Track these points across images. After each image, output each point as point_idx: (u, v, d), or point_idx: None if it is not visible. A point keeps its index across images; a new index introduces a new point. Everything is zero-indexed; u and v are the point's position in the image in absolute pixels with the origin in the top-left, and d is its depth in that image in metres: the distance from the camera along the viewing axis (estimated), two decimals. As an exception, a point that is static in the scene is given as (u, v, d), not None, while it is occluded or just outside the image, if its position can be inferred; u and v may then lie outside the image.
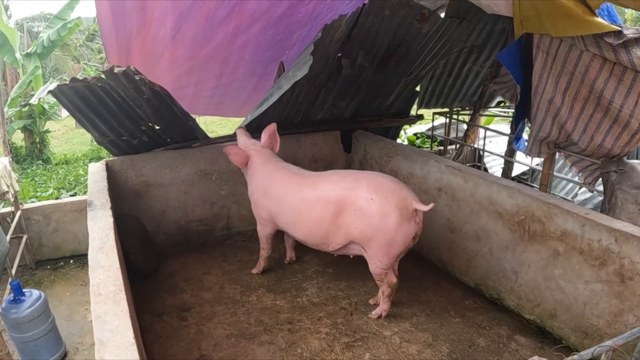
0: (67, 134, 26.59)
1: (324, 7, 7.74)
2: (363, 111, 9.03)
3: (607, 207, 6.59)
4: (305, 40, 7.86)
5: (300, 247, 7.12)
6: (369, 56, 7.66)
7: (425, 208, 5.60)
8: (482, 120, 12.25)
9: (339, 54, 7.42)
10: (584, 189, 8.50)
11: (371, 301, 6.43)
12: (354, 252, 6.14)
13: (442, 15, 7.83)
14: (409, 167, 7.68)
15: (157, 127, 7.43)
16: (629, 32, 5.59)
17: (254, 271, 7.13)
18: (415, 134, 12.73)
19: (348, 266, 6.94)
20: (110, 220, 5.17)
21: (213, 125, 24.03)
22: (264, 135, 6.99)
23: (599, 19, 5.67)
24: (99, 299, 3.75)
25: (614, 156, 6.50)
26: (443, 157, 7.62)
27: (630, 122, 6.02)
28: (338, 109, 8.67)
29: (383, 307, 6.12)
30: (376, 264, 5.86)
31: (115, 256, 4.43)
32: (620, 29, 5.55)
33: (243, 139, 6.94)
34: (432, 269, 7.40)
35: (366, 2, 6.72)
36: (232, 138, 7.90)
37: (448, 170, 7.00)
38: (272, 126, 7.04)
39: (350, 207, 5.79)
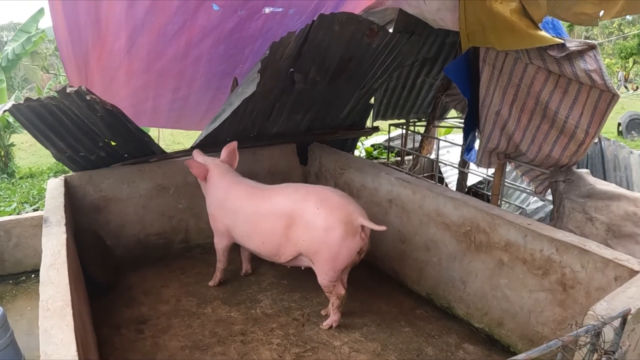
0: (34, 146, 26.41)
1: (274, 22, 7.83)
2: (318, 124, 9.11)
3: (555, 215, 6.72)
4: (257, 54, 7.95)
5: (257, 259, 7.14)
6: (321, 71, 7.75)
7: (372, 226, 5.72)
8: (441, 130, 12.37)
9: (292, 69, 7.49)
10: (537, 197, 8.65)
11: (323, 312, 6.48)
12: (305, 263, 6.21)
13: (391, 30, 7.93)
14: (361, 180, 7.76)
15: (113, 144, 7.47)
16: (572, 45, 5.73)
17: (211, 283, 7.17)
18: (372, 145, 12.84)
19: (302, 277, 7.00)
20: (64, 237, 5.22)
21: (180, 136, 24.04)
22: (224, 152, 7.08)
23: (543, 33, 5.80)
24: (47, 314, 3.83)
25: (563, 166, 6.64)
26: (394, 169, 7.74)
27: (576, 133, 6.17)
28: (293, 122, 8.75)
29: (333, 318, 6.18)
30: (323, 276, 5.94)
31: (66, 272, 4.48)
32: (563, 41, 5.67)
33: (201, 158, 7.00)
34: (385, 279, 7.46)
35: (315, 18, 6.82)
36: (187, 153, 7.97)
37: (398, 182, 7.09)
38: (233, 144, 7.14)
39: (299, 220, 5.88)
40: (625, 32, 59.12)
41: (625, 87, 47.30)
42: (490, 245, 5.92)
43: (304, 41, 7.04)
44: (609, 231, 6.20)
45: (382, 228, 5.70)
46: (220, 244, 6.92)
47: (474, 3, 6.22)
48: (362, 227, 5.79)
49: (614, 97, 5.92)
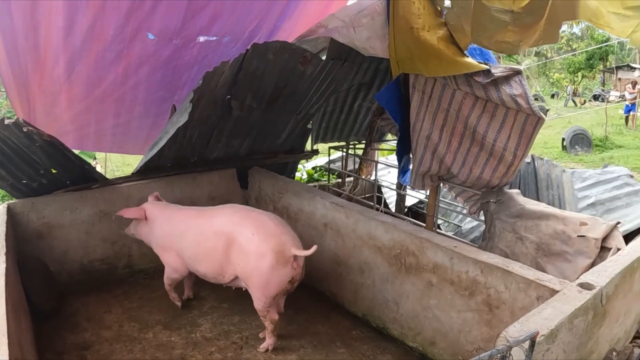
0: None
1: (209, 50, 7.94)
2: (258, 148, 9.19)
3: (487, 235, 6.87)
4: (194, 81, 8.02)
5: (198, 284, 7.22)
6: (257, 97, 7.87)
7: (304, 253, 5.80)
8: (384, 152, 12.45)
9: (228, 97, 7.59)
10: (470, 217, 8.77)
11: (261, 335, 6.52)
12: (244, 285, 6.26)
13: (324, 57, 8.06)
14: (298, 204, 7.87)
15: (54, 171, 7.51)
16: (497, 70, 5.90)
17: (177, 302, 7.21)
18: (314, 168, 12.93)
19: (242, 301, 7.05)
20: (3, 267, 5.24)
21: (130, 157, 23.92)
22: (151, 197, 7.17)
23: (469, 59, 5.97)
24: (-18, 343, 3.88)
25: (494, 187, 6.80)
26: (329, 194, 7.82)
27: (504, 155, 6.34)
28: (233, 147, 8.84)
29: (269, 341, 6.23)
30: (257, 301, 6.02)
31: (3, 302, 4.52)
32: (488, 68, 5.83)
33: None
34: (323, 300, 7.54)
35: (249, 48, 6.94)
36: (128, 179, 8.05)
37: (332, 206, 7.23)
38: (156, 193, 7.26)
39: (235, 243, 5.98)
40: (574, 47, 60.05)
41: (573, 102, 47.88)
42: (420, 267, 6.06)
43: (238, 69, 7.14)
44: (539, 250, 6.35)
45: (313, 250, 5.78)
46: (170, 279, 6.94)
47: (402, 31, 6.38)
48: (295, 257, 5.87)
49: (539, 121, 6.11)
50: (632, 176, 9.58)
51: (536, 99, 50.32)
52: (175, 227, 6.64)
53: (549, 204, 8.72)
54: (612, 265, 5.09)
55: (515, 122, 6.19)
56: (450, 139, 6.76)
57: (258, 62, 7.19)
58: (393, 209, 9.76)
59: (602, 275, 4.83)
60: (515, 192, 6.97)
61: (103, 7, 6.75)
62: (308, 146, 10.20)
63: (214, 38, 7.82)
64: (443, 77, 6.39)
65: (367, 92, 10.11)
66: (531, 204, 6.75)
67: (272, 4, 7.88)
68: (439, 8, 6.21)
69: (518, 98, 5.90)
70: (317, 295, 7.63)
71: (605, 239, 6.15)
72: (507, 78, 5.97)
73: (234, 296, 7.16)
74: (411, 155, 7.43)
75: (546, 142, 24.68)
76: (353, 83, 9.52)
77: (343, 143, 10.73)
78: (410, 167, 7.52)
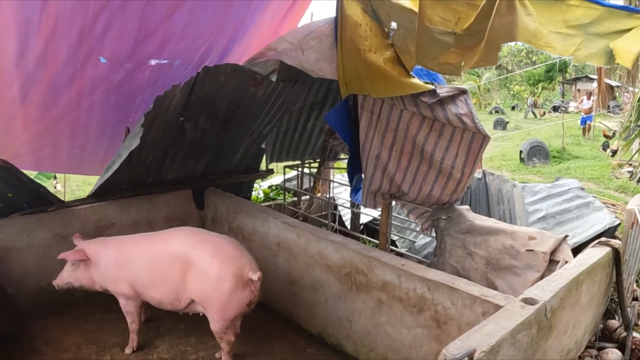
0: None
1: (161, 73, 7.99)
2: (213, 169, 9.26)
3: (438, 252, 6.99)
4: (147, 103, 8.02)
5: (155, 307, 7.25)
6: (211, 119, 7.95)
7: (255, 277, 5.89)
8: (340, 170, 12.49)
9: (182, 118, 7.67)
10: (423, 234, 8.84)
11: (217, 355, 6.56)
12: (200, 310, 6.27)
13: (275, 79, 8.15)
14: (252, 224, 7.95)
15: (10, 195, 7.52)
16: (443, 90, 6.03)
17: (128, 350, 6.88)
18: (270, 187, 12.99)
19: (198, 322, 7.04)
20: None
21: (91, 177, 23.79)
22: (75, 239, 6.93)
23: (415, 80, 6.09)
24: None
25: (445, 203, 6.92)
26: (281, 214, 7.88)
27: (453, 173, 6.48)
28: (188, 168, 8.89)
29: (225, 361, 6.26)
30: (214, 324, 6.04)
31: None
32: (434, 88, 5.95)
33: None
34: (278, 319, 7.58)
35: (200, 71, 7.02)
36: (85, 202, 8.05)
37: (284, 226, 7.31)
38: (77, 234, 7.05)
39: (193, 267, 5.97)
40: (534, 60, 60.65)
41: (533, 113, 48.26)
42: (369, 285, 6.15)
43: (190, 92, 7.22)
44: (488, 265, 6.47)
45: (258, 274, 5.89)
46: (128, 306, 6.72)
47: (350, 53, 6.48)
48: (252, 280, 5.92)
49: (485, 139, 6.26)
50: (582, 188, 9.73)
51: (497, 112, 50.86)
52: (123, 256, 6.49)
53: (500, 218, 8.90)
54: (557, 279, 5.22)
55: (462, 141, 6.34)
56: (399, 158, 6.88)
57: (210, 84, 7.27)
58: (350, 227, 9.84)
59: (546, 289, 4.95)
60: (464, 208, 7.09)
61: (54, 32, 6.77)
62: (263, 166, 10.26)
63: (165, 61, 7.88)
64: (390, 97, 6.52)
65: (319, 111, 10.19)
66: (480, 220, 6.87)
67: (222, 27, 7.96)
68: (386, 30, 6.32)
69: (464, 117, 6.04)
70: (273, 314, 7.67)
71: (553, 252, 6.29)
72: (453, 97, 6.11)
73: (190, 317, 7.17)
74: (362, 174, 7.51)
75: (505, 155, 24.92)
76: (305, 103, 9.60)
77: (298, 162, 10.79)
78: (362, 185, 7.60)
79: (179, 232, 6.54)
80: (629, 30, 5.96)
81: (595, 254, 6.15)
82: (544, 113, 48.80)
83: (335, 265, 6.59)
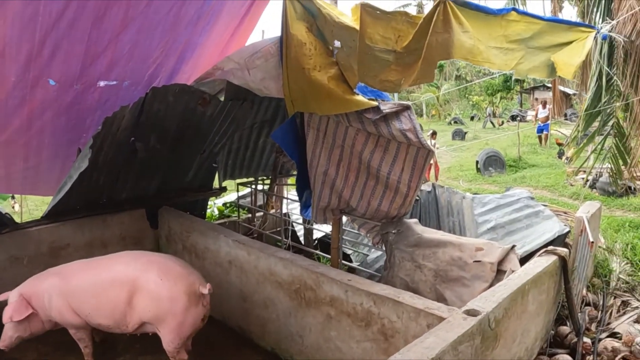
0: None
1: (111, 94, 8.00)
2: (166, 188, 9.29)
3: (388, 265, 7.05)
4: (98, 124, 8.04)
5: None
6: (161, 139, 8.03)
7: (206, 290, 5.96)
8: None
9: (133, 138, 7.71)
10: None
11: (171, 374, 6.57)
12: (151, 330, 6.27)
13: (223, 98, 8.20)
14: (204, 242, 7.98)
15: (-37, 217, 7.51)
16: (386, 107, 6.12)
17: None
18: (224, 204, 13.00)
19: (154, 340, 7.10)
20: None
21: (48, 197, 23.63)
22: (12, 294, 6.64)
23: (359, 97, 6.18)
24: None
25: (393, 217, 6.99)
26: (232, 232, 7.90)
27: (399, 187, 6.57)
28: (141, 187, 8.91)
29: (177, 380, 6.27)
30: (168, 343, 6.06)
31: None
32: (378, 104, 6.04)
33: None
34: (233, 336, 7.61)
35: (148, 91, 7.08)
36: (39, 223, 8.01)
37: (235, 244, 7.36)
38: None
39: (142, 290, 5.96)
40: (492, 70, 61.07)
41: (492, 123, 48.55)
42: (318, 301, 6.22)
43: (140, 112, 7.27)
44: (437, 277, 6.54)
45: (208, 287, 5.98)
46: (78, 333, 6.62)
47: (295, 72, 6.56)
48: (203, 295, 6.00)
49: (429, 153, 6.36)
50: (532, 198, 9.84)
51: (456, 122, 51.14)
52: (66, 285, 6.30)
53: (450, 230, 8.99)
54: (501, 290, 5.30)
55: (408, 156, 6.43)
56: (347, 174, 6.96)
57: (159, 104, 7.35)
58: (303, 242, 9.88)
59: (489, 300, 5.03)
60: (413, 221, 7.16)
61: (2, 56, 6.77)
62: (217, 183, 10.30)
63: (114, 82, 7.91)
64: (335, 114, 6.59)
65: (270, 129, 10.21)
66: (429, 233, 6.95)
67: (170, 48, 8.01)
68: (331, 48, 6.40)
69: (408, 132, 6.13)
70: (227, 330, 7.71)
71: (501, 262, 6.36)
72: (397, 113, 6.20)
73: (146, 336, 7.21)
74: (311, 191, 7.58)
75: (462, 165, 25.10)
76: (255, 121, 9.65)
77: (252, 179, 10.82)
78: (311, 202, 7.65)
79: (122, 257, 6.50)
80: (570, 43, 6.09)
81: (541, 262, 6.26)
82: (502, 122, 49.11)
83: (285, 282, 6.65)
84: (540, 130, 30.95)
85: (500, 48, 5.92)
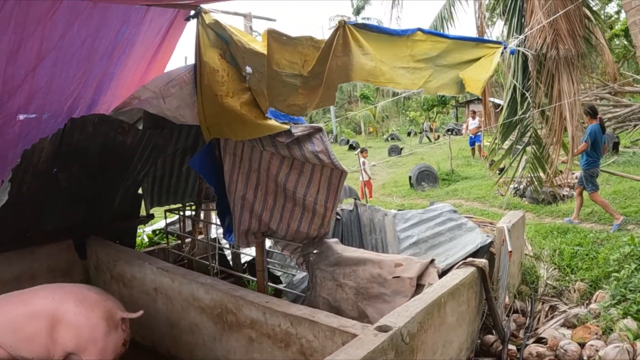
0: None
1: (31, 127, 8.00)
2: (93, 217, 9.23)
3: (310, 285, 7.14)
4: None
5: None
6: (84, 168, 8.04)
7: (130, 315, 5.98)
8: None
9: (56, 169, 7.71)
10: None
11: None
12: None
13: (141, 127, 8.25)
14: (131, 271, 8.01)
15: None
16: (298, 130, 6.23)
17: None
18: (153, 231, 12.96)
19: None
20: None
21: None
22: None
23: (271, 122, 6.30)
24: None
25: (314, 238, 7.08)
26: (157, 259, 7.93)
27: (316, 208, 6.66)
28: (68, 218, 8.87)
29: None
30: None
31: None
32: (289, 127, 6.15)
33: None
34: (164, 363, 7.65)
35: (67, 122, 7.12)
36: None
37: (159, 271, 7.42)
38: None
39: (61, 321, 5.95)
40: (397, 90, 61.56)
41: (428, 138, 48.97)
42: (239, 324, 6.30)
43: (60, 143, 7.28)
44: (358, 294, 6.64)
45: (139, 313, 6.02)
46: None
47: (209, 99, 6.64)
48: (123, 319, 6.03)
49: (342, 173, 6.49)
50: (455, 211, 9.96)
51: (392, 139, 51.45)
52: None
53: (372, 248, 9.10)
54: (415, 304, 5.43)
55: (322, 177, 6.55)
56: (265, 197, 7.04)
57: (79, 135, 7.37)
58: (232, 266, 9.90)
59: (402, 315, 5.15)
60: (333, 241, 7.27)
61: None
62: (144, 211, 10.30)
63: (34, 115, 7.91)
64: (250, 139, 6.69)
65: (192, 155, 10.20)
66: (349, 251, 7.07)
67: (88, 79, 8.06)
68: (244, 73, 6.51)
69: (320, 154, 6.25)
70: (158, 358, 7.74)
71: (420, 276, 6.48)
72: (309, 136, 6.32)
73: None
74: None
75: (397, 181, 25.19)
76: (177, 148, 9.65)
77: (180, 205, 10.81)
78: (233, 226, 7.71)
79: (39, 290, 6.46)
80: (478, 59, 6.26)
81: (458, 274, 6.43)
82: (438, 137, 49.49)
83: (208, 307, 6.71)
84: (472, 143, 31.13)
85: (407, 68, 6.08)
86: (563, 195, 16.70)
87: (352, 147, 44.43)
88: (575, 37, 11.41)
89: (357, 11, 65.14)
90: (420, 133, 51.82)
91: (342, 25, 5.58)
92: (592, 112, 12.60)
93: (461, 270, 6.61)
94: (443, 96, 59.00)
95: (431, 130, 56.50)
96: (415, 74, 6.16)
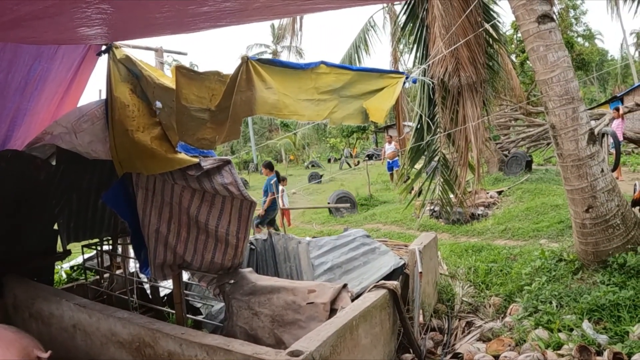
0: None
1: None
2: (9, 255, 9.08)
3: (227, 315, 7.24)
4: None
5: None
6: (-1, 204, 8.00)
7: (45, 355, 5.99)
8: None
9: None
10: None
11: None
12: None
13: (54, 162, 8.28)
14: (48, 308, 7.93)
15: None
16: (208, 163, 6.39)
17: None
18: (71, 267, 12.86)
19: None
20: None
21: None
22: None
23: (181, 155, 6.43)
24: None
25: (229, 268, 7.18)
26: (74, 295, 7.87)
27: (229, 239, 6.79)
28: (-16, 256, 8.76)
29: None
30: None
31: None
32: (199, 161, 6.30)
33: None
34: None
35: None
36: None
37: (76, 308, 7.37)
38: None
39: None
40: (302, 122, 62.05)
41: (347, 164, 49.35)
42: (157, 357, 6.31)
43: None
44: (274, 322, 6.78)
45: (49, 354, 5.98)
46: None
47: (120, 134, 6.74)
48: (39, 358, 6.03)
49: (252, 204, 6.66)
50: (368, 236, 10.13)
51: (313, 166, 51.69)
52: None
53: (287, 275, 9.25)
54: (327, 328, 5.61)
55: (233, 208, 6.71)
56: (178, 230, 7.11)
57: (-7, 170, 7.36)
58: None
59: (314, 339, 5.32)
60: (247, 270, 7.39)
61: None
62: (60, 247, 10.25)
63: (-53, 151, 7.93)
64: (161, 173, 6.79)
65: (107, 189, 10.26)
66: (263, 280, 7.20)
67: (0, 115, 8.05)
68: (154, 108, 6.63)
69: (229, 186, 6.43)
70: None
71: (334, 301, 6.66)
72: (218, 168, 6.48)
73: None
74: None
75: (316, 209, 25.44)
76: (92, 183, 9.66)
77: (97, 240, 10.78)
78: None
79: None
80: (381, 89, 6.49)
81: (370, 297, 6.63)
82: (358, 162, 49.92)
83: (126, 341, 6.71)
84: (390, 167, 31.48)
85: (312, 100, 6.27)
86: (478, 214, 17.11)
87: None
88: (476, 64, 11.78)
89: (277, 39, 65.57)
90: (341, 159, 52.15)
91: (245, 61, 5.71)
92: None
93: (372, 293, 6.81)
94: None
95: (351, 156, 56.97)
96: (320, 106, 6.35)
